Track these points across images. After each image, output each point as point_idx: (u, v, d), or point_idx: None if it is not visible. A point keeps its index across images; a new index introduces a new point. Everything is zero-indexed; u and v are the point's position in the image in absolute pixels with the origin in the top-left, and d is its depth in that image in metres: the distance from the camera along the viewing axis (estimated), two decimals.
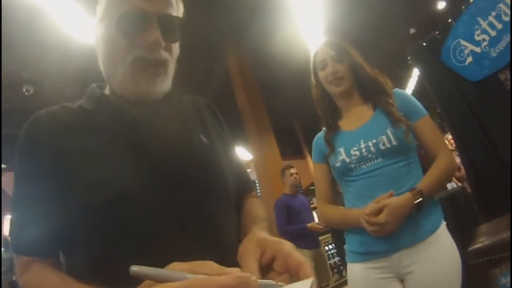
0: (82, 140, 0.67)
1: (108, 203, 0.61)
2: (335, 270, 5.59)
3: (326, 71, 1.41)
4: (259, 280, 0.39)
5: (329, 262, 5.48)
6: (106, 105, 0.74)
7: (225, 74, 5.97)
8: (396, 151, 1.26)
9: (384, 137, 1.27)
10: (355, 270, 1.31)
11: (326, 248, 5.66)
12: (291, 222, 3.70)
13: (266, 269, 0.53)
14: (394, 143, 1.26)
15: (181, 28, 0.77)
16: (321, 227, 3.60)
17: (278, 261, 0.53)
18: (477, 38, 2.81)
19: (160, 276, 0.38)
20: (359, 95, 1.44)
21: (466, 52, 2.89)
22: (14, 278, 4.45)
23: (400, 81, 8.65)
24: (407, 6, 6.21)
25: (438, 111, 3.38)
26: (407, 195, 1.18)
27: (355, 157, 1.31)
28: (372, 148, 1.28)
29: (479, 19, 2.78)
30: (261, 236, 0.60)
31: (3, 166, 5.98)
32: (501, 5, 2.63)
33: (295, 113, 9.65)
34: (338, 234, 3.69)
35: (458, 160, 3.33)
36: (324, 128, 1.49)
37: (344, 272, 5.36)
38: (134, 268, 0.36)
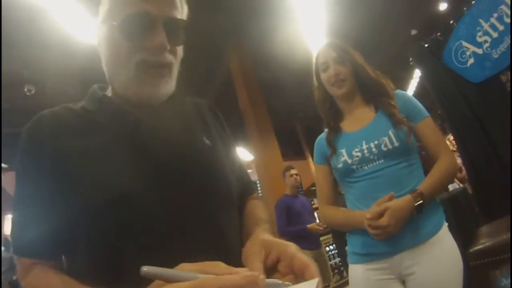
0: (85, 141, 0.67)
1: (110, 204, 0.61)
2: (336, 271, 5.59)
3: (328, 73, 1.41)
4: (266, 280, 0.40)
5: (329, 262, 5.48)
6: (108, 106, 0.74)
7: (227, 75, 5.98)
8: (398, 152, 1.26)
9: (386, 139, 1.27)
10: (356, 271, 1.31)
11: (327, 248, 5.66)
12: (291, 223, 3.70)
13: (270, 271, 0.53)
14: (396, 144, 1.26)
15: (185, 29, 0.76)
16: (321, 228, 3.59)
17: (282, 263, 0.53)
18: (478, 39, 2.81)
19: (171, 276, 0.39)
20: (361, 97, 1.44)
21: (467, 53, 2.89)
22: (14, 277, 4.46)
23: (402, 83, 8.66)
24: (409, 7, 6.22)
25: (439, 112, 3.38)
26: (408, 197, 1.18)
27: (357, 158, 1.31)
28: (374, 150, 1.28)
29: (481, 20, 2.78)
30: (265, 238, 0.60)
31: (3, 165, 6.00)
32: (503, 6, 2.63)
33: (296, 114, 9.66)
34: (339, 235, 3.69)
35: (459, 161, 3.33)
36: (326, 130, 1.49)
37: (344, 273, 5.35)
38: (145, 269, 0.37)
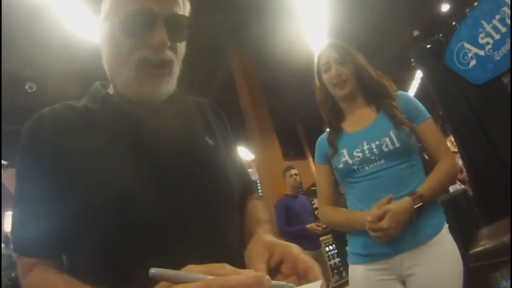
0: (86, 139, 0.66)
1: (110, 203, 0.60)
2: (335, 271, 5.58)
3: (330, 73, 1.41)
4: (272, 281, 0.40)
5: (329, 263, 5.47)
6: (110, 105, 0.73)
7: (228, 74, 5.98)
8: (399, 153, 1.26)
9: (387, 139, 1.27)
10: (357, 272, 1.31)
11: (327, 249, 5.65)
12: (291, 223, 3.69)
13: (273, 272, 0.54)
14: (397, 145, 1.26)
15: (188, 27, 0.76)
16: (320, 228, 3.59)
17: (286, 264, 0.53)
18: (481, 41, 2.81)
19: (178, 278, 0.39)
20: (363, 97, 1.44)
21: (469, 55, 2.88)
22: (13, 274, 4.46)
23: (403, 83, 8.66)
24: (411, 8, 6.22)
25: (441, 113, 3.37)
26: (407, 199, 1.18)
27: (358, 159, 1.31)
28: (375, 150, 1.28)
29: (483, 22, 2.78)
30: (268, 239, 0.60)
31: (4, 162, 6.01)
32: (505, 8, 2.62)
33: (297, 114, 9.67)
34: (339, 235, 3.69)
35: (460, 162, 3.33)
36: (327, 130, 1.49)
37: (344, 273, 5.35)
38: (152, 270, 0.38)
